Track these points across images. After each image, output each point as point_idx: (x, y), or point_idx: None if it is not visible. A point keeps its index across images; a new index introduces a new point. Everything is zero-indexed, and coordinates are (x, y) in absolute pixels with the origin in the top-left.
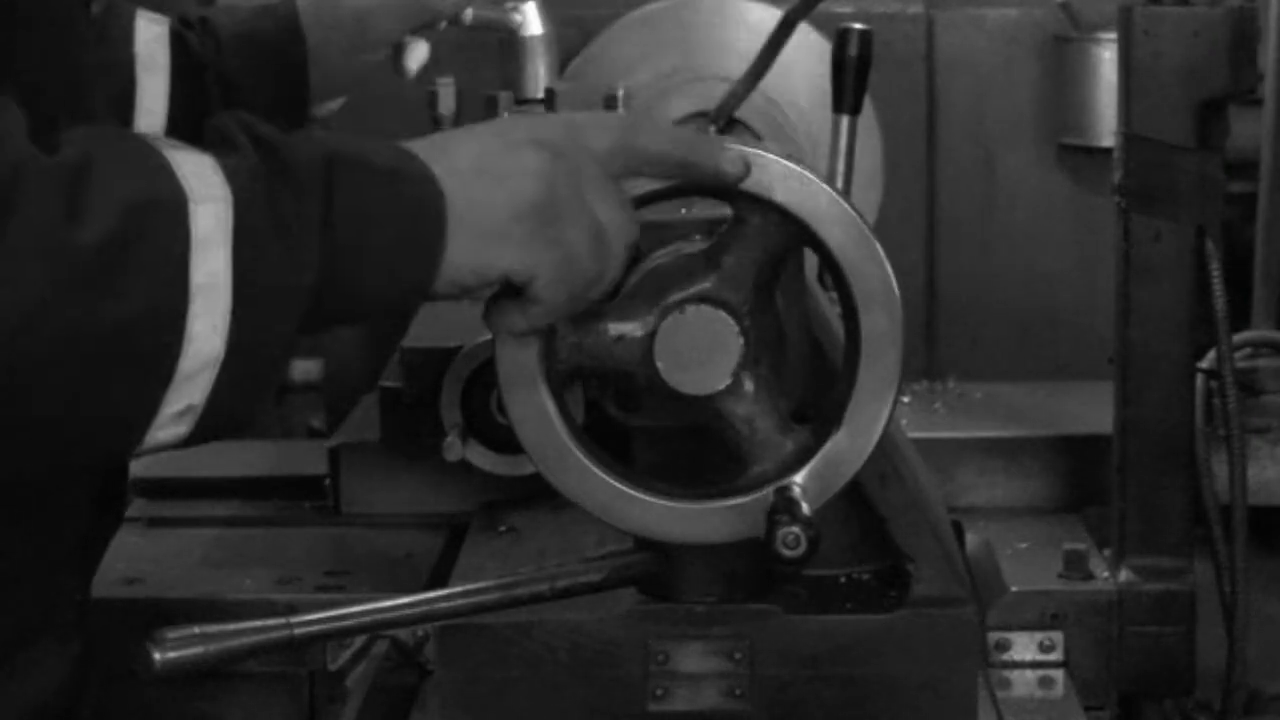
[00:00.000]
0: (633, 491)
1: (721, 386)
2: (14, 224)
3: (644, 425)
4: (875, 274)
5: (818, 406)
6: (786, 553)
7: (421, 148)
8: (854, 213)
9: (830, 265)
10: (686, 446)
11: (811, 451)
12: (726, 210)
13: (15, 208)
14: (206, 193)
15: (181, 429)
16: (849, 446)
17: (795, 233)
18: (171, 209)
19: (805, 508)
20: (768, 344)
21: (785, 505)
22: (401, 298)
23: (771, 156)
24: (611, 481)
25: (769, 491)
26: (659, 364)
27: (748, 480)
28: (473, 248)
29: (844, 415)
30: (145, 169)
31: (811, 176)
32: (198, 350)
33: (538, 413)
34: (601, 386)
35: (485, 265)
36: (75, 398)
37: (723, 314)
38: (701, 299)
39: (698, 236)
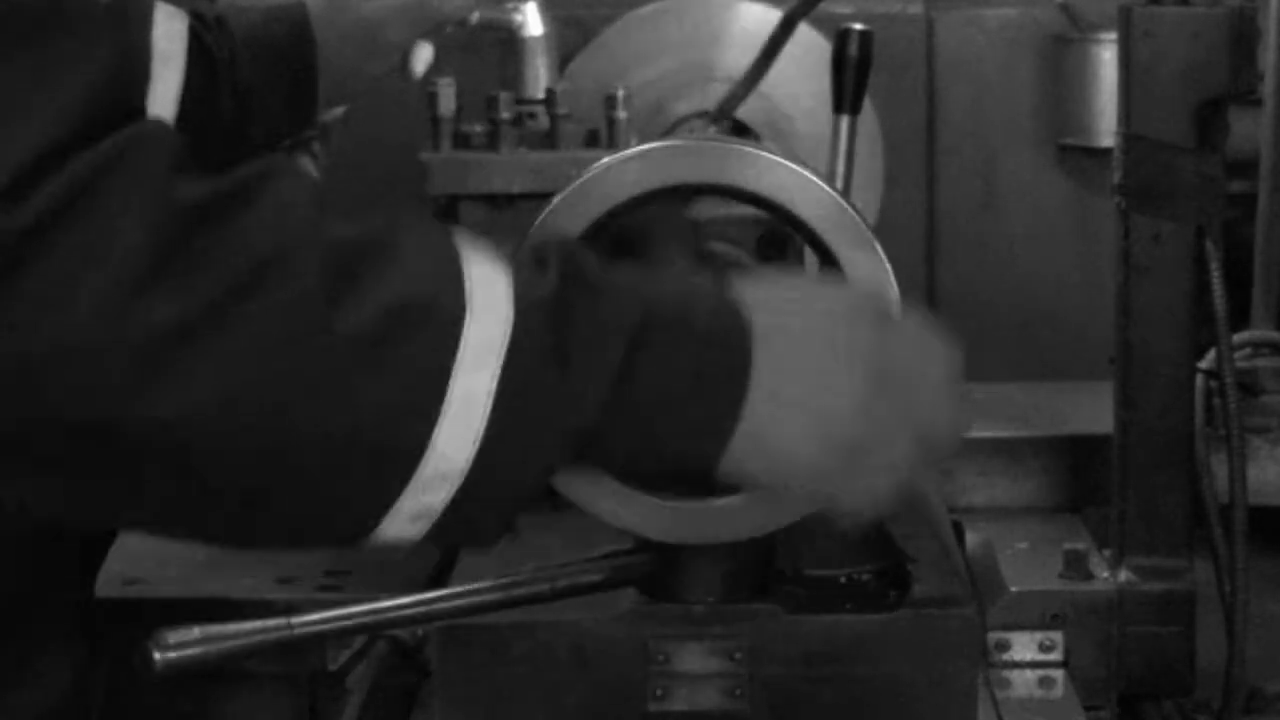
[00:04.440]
0: (633, 491)
1: None
2: (270, 306)
3: None
4: (875, 274)
5: None
6: None
7: (757, 315)
8: (854, 213)
9: (829, 265)
10: None
11: None
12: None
13: (275, 288)
14: (488, 308)
15: (415, 530)
16: None
17: None
18: (446, 318)
19: None
20: None
21: None
22: (678, 467)
23: (771, 155)
24: (611, 481)
25: None
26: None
27: None
28: (762, 455)
29: None
30: (433, 267)
31: (811, 176)
32: (440, 461)
33: None
34: None
35: (776, 474)
36: (310, 484)
37: None
38: None
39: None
